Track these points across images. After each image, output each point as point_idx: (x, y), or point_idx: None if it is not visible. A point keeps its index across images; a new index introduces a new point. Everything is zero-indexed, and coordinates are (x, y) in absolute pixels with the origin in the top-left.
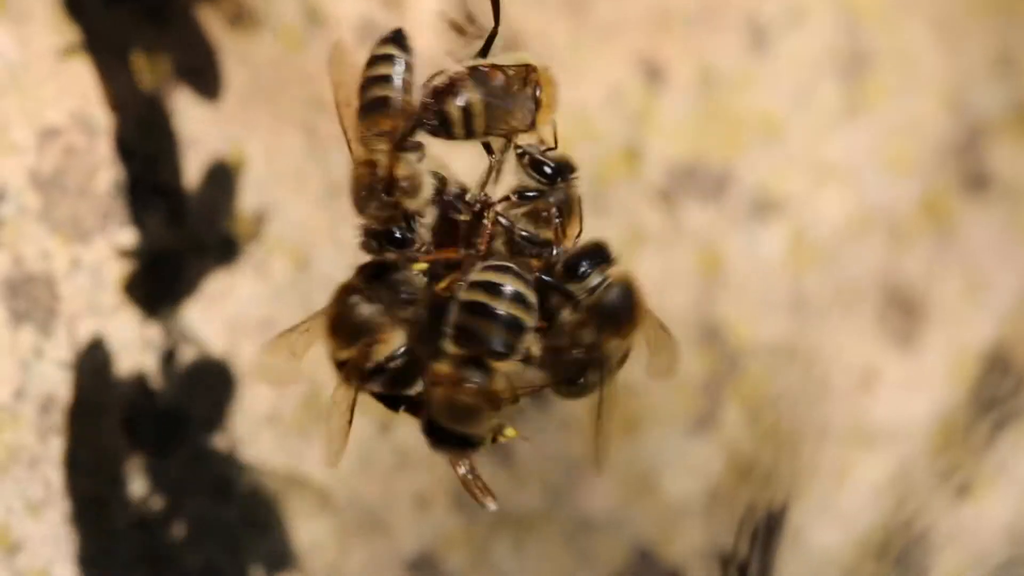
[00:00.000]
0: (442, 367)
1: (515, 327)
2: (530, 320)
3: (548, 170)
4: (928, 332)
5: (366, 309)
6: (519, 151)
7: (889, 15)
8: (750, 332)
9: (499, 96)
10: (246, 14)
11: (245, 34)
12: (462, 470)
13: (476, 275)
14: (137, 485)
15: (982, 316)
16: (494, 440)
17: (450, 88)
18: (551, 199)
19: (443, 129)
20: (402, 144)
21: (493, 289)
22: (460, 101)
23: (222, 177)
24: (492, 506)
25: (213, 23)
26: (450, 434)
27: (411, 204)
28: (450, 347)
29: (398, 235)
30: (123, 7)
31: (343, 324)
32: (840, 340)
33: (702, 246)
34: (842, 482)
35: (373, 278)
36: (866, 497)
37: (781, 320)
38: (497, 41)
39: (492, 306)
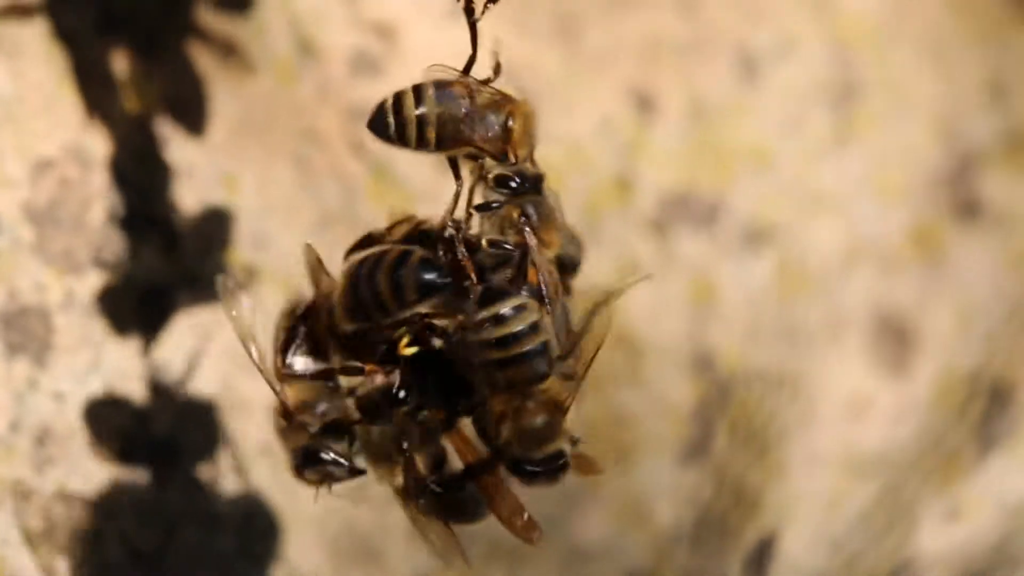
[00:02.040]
0: (497, 404)
1: (543, 351)
2: (549, 331)
3: (513, 184)
4: (918, 359)
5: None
6: (484, 172)
7: (880, 44)
8: (741, 360)
9: (457, 108)
10: (238, 48)
11: (237, 66)
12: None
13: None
14: (131, 516)
15: (972, 342)
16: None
17: (410, 92)
18: (517, 207)
19: (398, 136)
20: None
21: (507, 339)
22: (419, 109)
23: (215, 208)
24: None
25: (204, 56)
26: (538, 463)
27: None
28: (494, 400)
29: (322, 455)
30: (115, 39)
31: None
32: (830, 367)
33: (694, 275)
34: (832, 507)
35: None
36: (855, 521)
37: (772, 348)
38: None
39: (517, 353)
